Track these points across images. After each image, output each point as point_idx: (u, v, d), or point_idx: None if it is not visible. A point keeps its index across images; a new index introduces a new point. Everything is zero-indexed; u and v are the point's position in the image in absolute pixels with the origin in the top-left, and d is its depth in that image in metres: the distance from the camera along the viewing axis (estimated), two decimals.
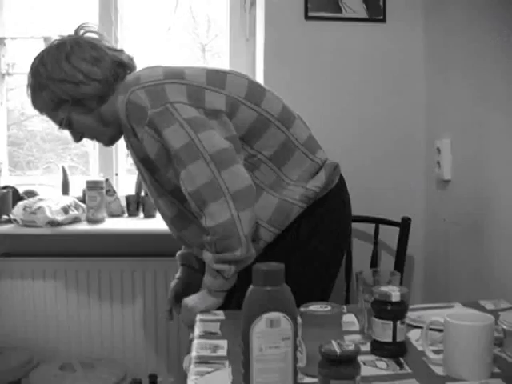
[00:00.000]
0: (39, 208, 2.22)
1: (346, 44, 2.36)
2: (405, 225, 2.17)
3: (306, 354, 1.08)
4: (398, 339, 1.20)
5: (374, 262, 2.23)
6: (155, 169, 1.54)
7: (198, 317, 1.47)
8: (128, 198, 2.51)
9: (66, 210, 2.30)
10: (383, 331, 1.19)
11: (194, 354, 1.22)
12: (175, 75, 1.50)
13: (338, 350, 0.90)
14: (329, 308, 1.10)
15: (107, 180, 2.48)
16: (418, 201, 2.37)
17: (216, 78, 1.53)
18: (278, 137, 1.55)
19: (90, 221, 2.34)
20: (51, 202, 2.29)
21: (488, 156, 1.86)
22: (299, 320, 1.04)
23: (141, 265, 2.46)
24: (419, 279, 2.40)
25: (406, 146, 2.38)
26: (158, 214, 2.48)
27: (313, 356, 1.05)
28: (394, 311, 1.19)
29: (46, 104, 1.57)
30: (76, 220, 2.35)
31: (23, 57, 2.64)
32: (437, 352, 1.17)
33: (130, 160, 2.66)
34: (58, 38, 1.59)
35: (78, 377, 2.11)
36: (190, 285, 1.78)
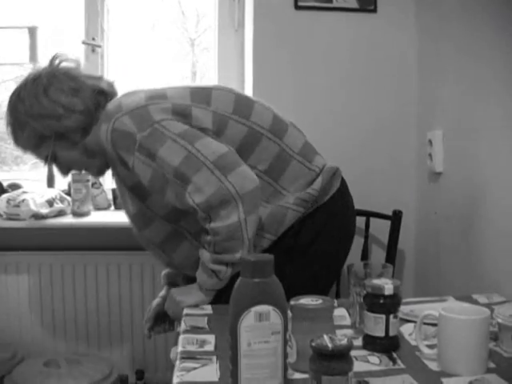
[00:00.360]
0: (23, 201, 2.17)
1: (337, 34, 2.32)
2: (396, 218, 2.14)
3: (296, 348, 1.04)
4: (391, 333, 1.16)
5: (365, 256, 2.20)
6: (146, 195, 1.48)
7: (185, 311, 1.43)
8: (114, 190, 2.47)
9: (50, 202, 2.26)
10: (375, 325, 1.16)
11: (180, 348, 1.18)
12: (158, 97, 1.46)
13: (330, 345, 0.86)
14: (320, 301, 1.07)
15: None
16: (409, 194, 2.34)
17: (201, 94, 1.49)
18: (271, 149, 1.50)
19: (76, 214, 2.30)
20: (35, 194, 2.24)
21: (481, 148, 1.83)
22: (289, 313, 1.01)
23: (127, 259, 2.41)
24: (410, 273, 2.37)
25: (397, 137, 2.34)
26: None
27: (303, 351, 1.02)
28: (386, 305, 1.16)
29: (28, 141, 1.52)
30: (61, 213, 2.31)
31: (8, 48, 2.58)
32: (431, 347, 1.14)
33: None
34: (34, 71, 1.53)
35: (62, 373, 2.07)
36: None
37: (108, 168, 1.58)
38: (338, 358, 0.86)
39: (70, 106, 1.46)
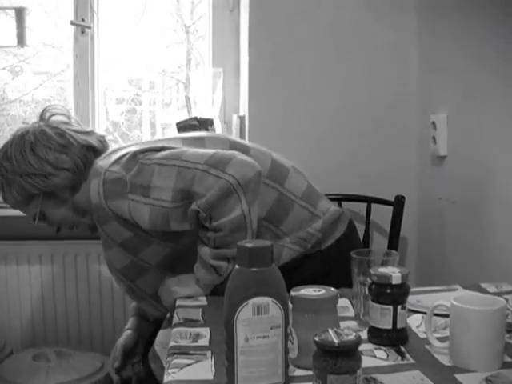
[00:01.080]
0: None
1: (337, 15, 2.22)
2: (399, 203, 2.06)
3: (297, 343, 0.96)
4: (399, 326, 1.08)
5: (366, 243, 2.12)
6: (138, 249, 1.43)
7: (178, 302, 1.35)
8: None
9: None
10: (382, 317, 1.08)
11: (172, 343, 1.10)
12: (150, 149, 1.39)
13: (336, 340, 0.78)
14: (323, 291, 0.98)
15: None
16: (410, 179, 2.25)
17: (195, 144, 1.45)
18: (270, 194, 1.44)
19: None
20: None
21: (487, 130, 1.75)
22: (289, 305, 0.92)
23: None
24: (412, 261, 2.29)
25: (398, 120, 2.25)
26: None
27: (305, 346, 0.94)
28: (394, 295, 1.08)
29: (16, 200, 1.48)
30: None
31: None
32: (441, 339, 1.06)
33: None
34: (22, 127, 1.49)
35: (52, 367, 1.99)
36: (141, 338, 1.66)
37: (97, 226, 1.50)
38: (345, 354, 0.77)
39: (58, 163, 1.43)
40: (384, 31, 2.23)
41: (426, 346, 1.08)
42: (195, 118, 2.30)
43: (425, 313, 1.22)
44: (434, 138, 2.03)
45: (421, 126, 2.20)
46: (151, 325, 1.65)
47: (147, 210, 1.32)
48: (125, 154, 1.39)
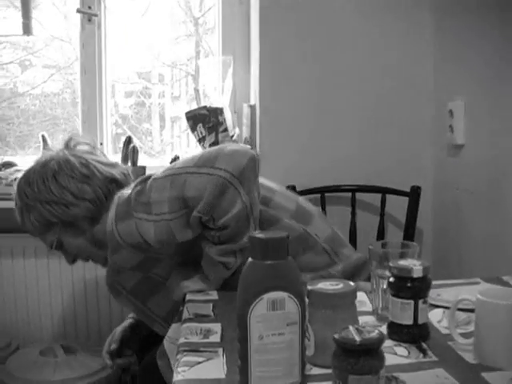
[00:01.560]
0: (16, 179, 2.04)
1: (350, 1, 2.15)
2: (414, 194, 2.00)
3: (313, 340, 0.91)
4: (420, 321, 1.02)
5: (381, 235, 2.06)
6: (152, 263, 1.38)
7: (188, 297, 1.30)
8: None
9: None
10: (403, 312, 1.02)
11: (182, 340, 1.05)
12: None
13: (357, 338, 0.72)
14: (341, 285, 0.93)
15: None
16: (426, 168, 2.19)
17: None
18: (293, 231, 1.37)
19: None
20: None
21: (506, 118, 1.69)
22: (306, 300, 0.87)
23: None
24: (428, 254, 2.22)
25: (413, 108, 2.19)
26: None
27: (322, 343, 0.89)
28: (415, 288, 1.02)
29: (35, 226, 1.46)
30: None
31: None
32: (465, 335, 1.00)
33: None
34: (46, 154, 1.48)
35: (59, 362, 1.94)
36: (141, 329, 1.62)
37: None
38: (368, 353, 0.72)
39: (80, 193, 1.41)
40: (400, 18, 2.17)
41: (449, 343, 1.02)
42: (205, 107, 2.25)
43: (446, 307, 1.18)
44: (450, 126, 1.97)
45: (437, 114, 2.13)
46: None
47: (152, 227, 1.27)
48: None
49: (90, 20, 2.36)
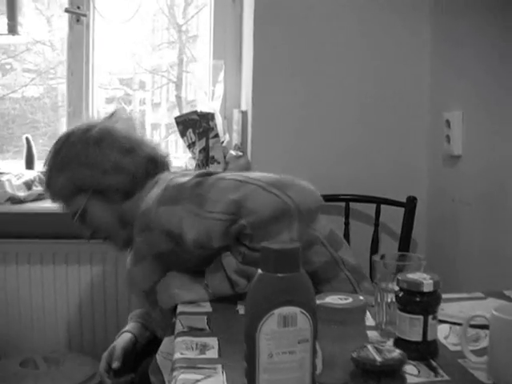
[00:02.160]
0: None
1: (345, 4, 2.12)
2: (410, 205, 1.96)
3: (321, 357, 0.85)
4: (430, 338, 0.98)
5: (375, 247, 2.01)
6: (175, 260, 1.32)
7: (180, 308, 1.24)
8: None
9: (29, 185, 2.09)
10: (411, 328, 0.97)
11: (177, 355, 0.99)
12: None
13: (378, 359, 0.67)
14: (350, 300, 0.88)
15: None
16: (422, 179, 2.15)
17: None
18: (322, 255, 1.38)
19: None
20: (12, 176, 2.08)
21: (505, 128, 1.66)
22: None
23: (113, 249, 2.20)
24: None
25: (409, 118, 2.15)
26: None
27: (331, 360, 0.84)
28: (425, 303, 0.97)
29: (63, 188, 1.41)
30: (40, 197, 2.11)
31: None
32: (475, 353, 0.96)
33: None
34: (88, 121, 1.48)
35: (40, 374, 1.88)
36: (138, 345, 1.56)
37: (131, 244, 1.41)
38: (389, 375, 0.67)
39: (119, 164, 1.38)
40: (396, 27, 2.13)
41: (459, 360, 0.97)
42: (195, 112, 2.19)
43: (452, 323, 1.14)
44: (447, 136, 1.93)
45: (434, 124, 2.10)
46: (150, 334, 1.54)
47: (196, 223, 1.22)
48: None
49: (78, 20, 2.30)
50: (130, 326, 1.57)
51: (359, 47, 2.14)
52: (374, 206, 2.04)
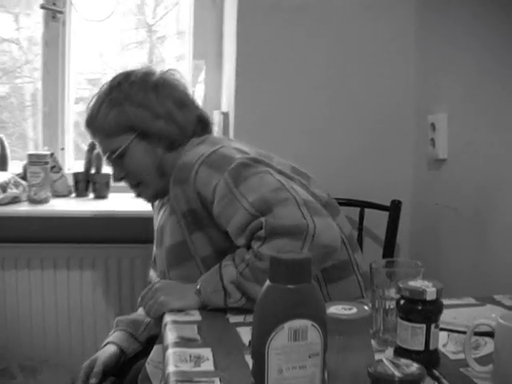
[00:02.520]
0: None
1: (329, 4, 2.09)
2: (395, 209, 1.94)
3: (325, 369, 0.82)
4: (432, 347, 0.95)
5: None
6: (200, 223, 1.30)
7: (168, 317, 1.19)
8: (76, 175, 2.23)
9: (3, 187, 2.01)
10: (413, 337, 0.95)
11: (171, 368, 0.94)
12: (264, 155, 1.38)
13: (396, 373, 0.64)
14: (354, 310, 0.84)
15: (52, 154, 2.16)
16: (406, 183, 2.13)
17: (302, 174, 1.45)
18: (342, 252, 1.35)
19: (32, 201, 2.06)
20: None
21: (491, 131, 1.65)
22: None
23: (91, 252, 2.15)
24: None
25: (393, 120, 2.13)
26: (110, 195, 2.22)
27: (335, 373, 0.80)
28: (427, 312, 0.95)
29: (109, 124, 1.38)
30: (15, 200, 2.06)
31: None
32: (477, 361, 0.94)
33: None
34: (146, 65, 1.49)
35: None
36: (124, 356, 1.50)
37: (162, 196, 1.43)
38: None
39: (172, 113, 1.38)
40: (380, 27, 2.12)
41: (461, 369, 0.95)
42: None
43: (450, 330, 1.12)
44: (432, 139, 1.92)
45: (418, 127, 2.08)
46: (139, 345, 1.48)
47: (226, 198, 1.22)
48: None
49: (54, 17, 2.23)
50: (117, 336, 1.51)
51: (343, 48, 2.11)
52: (358, 209, 2.02)
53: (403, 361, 0.67)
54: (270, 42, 2.08)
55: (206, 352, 1.01)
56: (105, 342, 1.50)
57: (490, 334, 1.06)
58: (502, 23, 1.59)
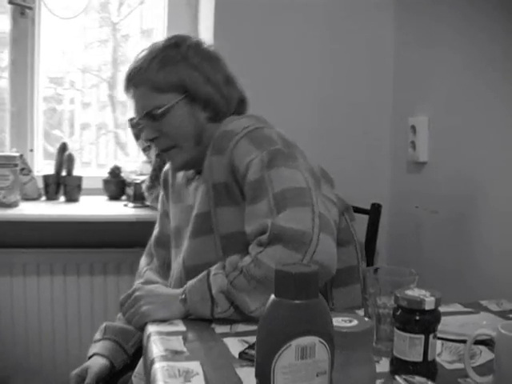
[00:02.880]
0: None
1: (307, 4, 2.06)
2: (375, 212, 1.91)
3: None
4: (430, 357, 0.93)
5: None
6: (228, 197, 1.28)
7: (151, 327, 1.14)
8: (47, 178, 2.15)
9: None
10: (411, 347, 0.92)
11: None
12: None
13: None
14: (355, 322, 0.81)
15: (21, 156, 2.08)
16: (384, 186, 2.12)
17: (327, 177, 1.49)
18: (351, 255, 1.38)
19: (1, 205, 1.98)
20: None
21: (472, 134, 1.65)
22: None
23: (62, 258, 2.08)
24: None
25: (372, 123, 2.12)
26: (81, 198, 2.15)
27: None
28: (425, 322, 0.92)
29: (158, 80, 1.32)
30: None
31: None
32: (476, 371, 0.91)
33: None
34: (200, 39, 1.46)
35: None
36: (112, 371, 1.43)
37: (190, 166, 1.40)
38: None
39: (220, 85, 1.37)
40: (359, 29, 2.10)
41: (460, 380, 0.93)
42: None
43: (444, 339, 1.09)
44: (412, 142, 1.91)
45: (398, 129, 2.07)
46: (128, 357, 1.42)
47: (256, 175, 1.22)
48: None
49: (23, 13, 2.15)
50: (106, 347, 1.42)
51: (320, 49, 2.09)
52: None
53: (417, 378, 0.64)
54: (246, 43, 2.05)
55: (195, 366, 0.96)
56: (92, 352, 1.42)
57: (485, 343, 1.05)
58: (484, 26, 1.59)
